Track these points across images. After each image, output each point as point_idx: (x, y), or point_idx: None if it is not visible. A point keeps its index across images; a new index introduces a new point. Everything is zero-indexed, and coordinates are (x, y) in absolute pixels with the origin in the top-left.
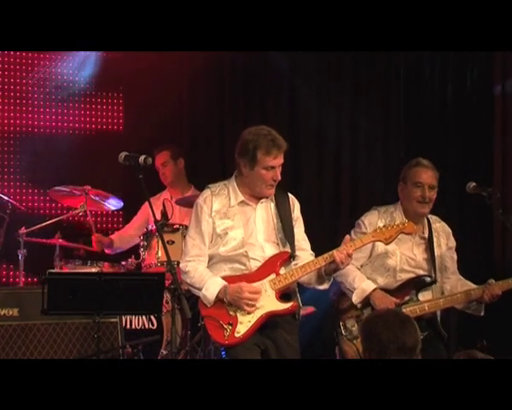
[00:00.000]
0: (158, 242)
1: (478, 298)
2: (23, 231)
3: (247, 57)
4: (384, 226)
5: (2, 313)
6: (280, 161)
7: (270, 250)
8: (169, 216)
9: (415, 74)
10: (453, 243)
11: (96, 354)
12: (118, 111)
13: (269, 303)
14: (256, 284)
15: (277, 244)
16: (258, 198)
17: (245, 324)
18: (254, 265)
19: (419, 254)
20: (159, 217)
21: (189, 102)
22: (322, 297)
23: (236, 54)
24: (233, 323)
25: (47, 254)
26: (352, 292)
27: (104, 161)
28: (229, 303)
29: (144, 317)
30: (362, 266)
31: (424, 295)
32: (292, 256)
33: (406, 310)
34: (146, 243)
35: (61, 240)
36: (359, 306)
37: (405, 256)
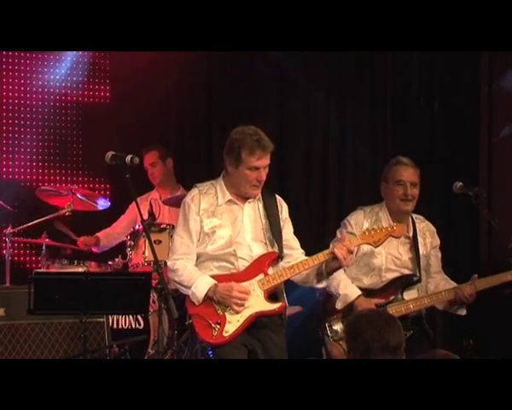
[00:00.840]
0: (145, 241)
1: (459, 297)
2: (9, 230)
3: (234, 57)
4: (373, 229)
5: None
6: (265, 162)
7: (258, 250)
8: (156, 216)
9: (402, 74)
10: (437, 241)
11: (83, 354)
12: (106, 113)
13: (257, 303)
14: (244, 284)
15: (265, 244)
16: (245, 198)
17: (233, 323)
18: (242, 264)
19: (404, 254)
20: (146, 217)
21: (177, 103)
22: (308, 297)
23: (224, 54)
24: (221, 322)
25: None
26: (337, 297)
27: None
28: (217, 302)
29: (131, 316)
30: (347, 265)
31: (409, 294)
32: (280, 257)
33: (392, 309)
34: (133, 243)
35: (47, 240)
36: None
37: (391, 256)
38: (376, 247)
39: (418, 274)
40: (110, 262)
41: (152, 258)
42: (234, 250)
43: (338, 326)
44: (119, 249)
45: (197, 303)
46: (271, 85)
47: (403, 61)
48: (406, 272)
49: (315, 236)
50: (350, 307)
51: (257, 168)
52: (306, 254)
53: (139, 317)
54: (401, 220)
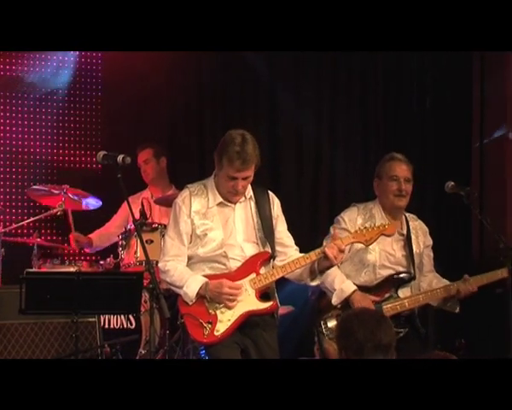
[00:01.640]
0: (137, 241)
1: (456, 294)
2: (0, 230)
3: (225, 57)
4: (365, 228)
5: None
6: (244, 174)
7: (250, 250)
8: (148, 215)
9: (393, 74)
10: (430, 241)
11: (75, 354)
12: (96, 111)
13: (249, 302)
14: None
15: (257, 244)
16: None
17: (224, 322)
18: (234, 264)
19: (398, 251)
20: (138, 216)
21: (168, 103)
22: (299, 296)
23: (215, 54)
24: (212, 321)
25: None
26: (332, 292)
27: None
28: (209, 301)
29: (123, 316)
30: (341, 262)
31: (403, 292)
32: (272, 256)
33: (387, 307)
34: (125, 243)
35: (39, 239)
36: (339, 306)
37: (385, 252)
38: (368, 245)
39: (412, 272)
40: (102, 262)
41: (144, 258)
42: (224, 252)
43: (333, 324)
44: (111, 249)
45: (190, 303)
46: (263, 85)
47: (394, 61)
48: (400, 269)
49: (308, 232)
50: (346, 304)
51: (234, 178)
52: (300, 251)
53: (131, 317)
54: (395, 217)
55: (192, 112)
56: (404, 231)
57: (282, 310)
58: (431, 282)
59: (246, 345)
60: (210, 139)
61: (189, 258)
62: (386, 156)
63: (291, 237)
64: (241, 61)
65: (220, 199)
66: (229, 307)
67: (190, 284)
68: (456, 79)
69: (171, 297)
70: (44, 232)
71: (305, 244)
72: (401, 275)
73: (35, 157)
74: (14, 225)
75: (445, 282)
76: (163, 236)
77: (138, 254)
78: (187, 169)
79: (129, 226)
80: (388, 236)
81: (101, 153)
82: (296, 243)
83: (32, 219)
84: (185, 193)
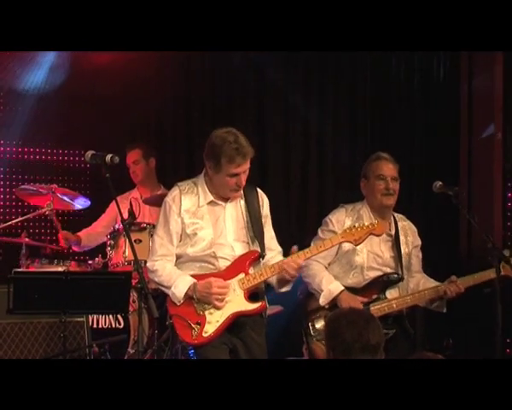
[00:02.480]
0: (125, 241)
1: (443, 295)
2: None
3: (213, 56)
4: (354, 227)
5: None
6: (244, 167)
7: (240, 249)
8: (136, 215)
9: (381, 74)
10: (419, 241)
11: (63, 354)
12: (86, 112)
13: (237, 303)
14: None
15: (247, 243)
16: (226, 198)
17: (213, 323)
18: (223, 264)
19: (386, 252)
20: (126, 216)
21: (157, 103)
22: (288, 296)
23: (203, 54)
24: (201, 322)
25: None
26: (320, 293)
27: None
28: (197, 302)
29: (111, 316)
30: (329, 264)
31: (391, 293)
32: (261, 256)
33: (374, 308)
34: (113, 242)
35: (27, 239)
36: (327, 307)
37: (372, 254)
38: (357, 245)
39: (400, 273)
40: (90, 262)
41: (132, 257)
42: (214, 252)
43: (321, 325)
44: (100, 249)
45: (178, 303)
46: (250, 84)
47: (383, 61)
48: (388, 270)
49: (296, 233)
50: (333, 305)
51: (236, 174)
52: (285, 254)
53: (119, 316)
54: (383, 217)
55: (180, 110)
56: (393, 232)
57: (271, 310)
58: (419, 282)
59: (234, 345)
60: (198, 138)
61: (179, 257)
62: (372, 156)
63: (275, 239)
64: (230, 61)
65: (211, 198)
66: (218, 308)
67: (178, 284)
68: (444, 79)
69: (160, 297)
70: (33, 232)
71: (292, 243)
72: (389, 276)
73: (23, 157)
74: (3, 225)
75: (433, 283)
76: (151, 235)
77: (127, 254)
78: (175, 168)
79: (117, 226)
80: (377, 235)
81: (90, 152)
82: (284, 244)
83: (20, 218)
84: (175, 191)
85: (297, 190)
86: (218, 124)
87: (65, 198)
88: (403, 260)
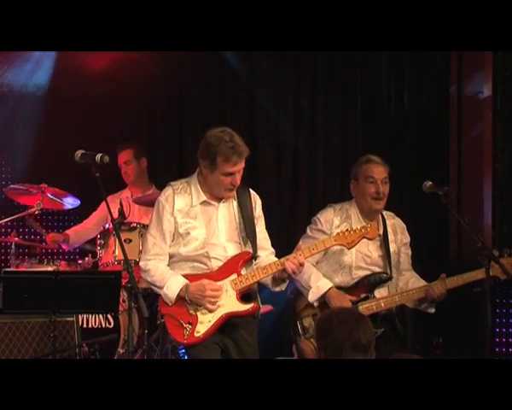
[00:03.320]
0: (115, 240)
1: (431, 295)
2: None
3: (205, 57)
4: (347, 230)
5: None
6: (239, 167)
7: (233, 250)
8: (126, 215)
9: (372, 74)
10: (407, 238)
11: (53, 354)
12: (76, 111)
13: (229, 304)
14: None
15: (239, 244)
16: (220, 198)
17: (205, 324)
18: (216, 264)
19: (374, 251)
20: (116, 215)
21: (148, 102)
22: (279, 296)
23: (195, 54)
24: (193, 322)
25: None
26: (308, 290)
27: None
28: (189, 302)
29: (101, 316)
30: (317, 262)
31: (380, 292)
32: (253, 257)
33: (363, 307)
34: (103, 242)
35: (16, 238)
36: (316, 304)
37: (361, 254)
38: (349, 248)
39: (389, 272)
40: (80, 261)
41: (122, 257)
42: (206, 252)
43: (309, 324)
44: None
45: (170, 304)
46: (242, 85)
47: (373, 62)
48: (377, 269)
49: (286, 231)
50: (322, 303)
51: (232, 174)
52: (278, 250)
53: (109, 316)
54: (371, 218)
55: (171, 110)
56: (381, 231)
57: (261, 310)
58: (408, 281)
59: (226, 345)
60: (189, 138)
61: (171, 256)
62: (362, 158)
63: (268, 239)
64: (221, 61)
65: (204, 198)
66: (210, 310)
67: (170, 285)
68: (433, 79)
69: (150, 296)
70: (22, 231)
71: (283, 243)
72: (377, 276)
73: (12, 156)
74: None
75: (422, 282)
76: (141, 235)
77: (117, 254)
78: (166, 168)
79: (107, 225)
80: (370, 239)
81: (79, 152)
82: (274, 242)
83: (9, 218)
84: (168, 191)
85: (288, 192)
86: (209, 124)
87: (54, 198)
88: (391, 258)
